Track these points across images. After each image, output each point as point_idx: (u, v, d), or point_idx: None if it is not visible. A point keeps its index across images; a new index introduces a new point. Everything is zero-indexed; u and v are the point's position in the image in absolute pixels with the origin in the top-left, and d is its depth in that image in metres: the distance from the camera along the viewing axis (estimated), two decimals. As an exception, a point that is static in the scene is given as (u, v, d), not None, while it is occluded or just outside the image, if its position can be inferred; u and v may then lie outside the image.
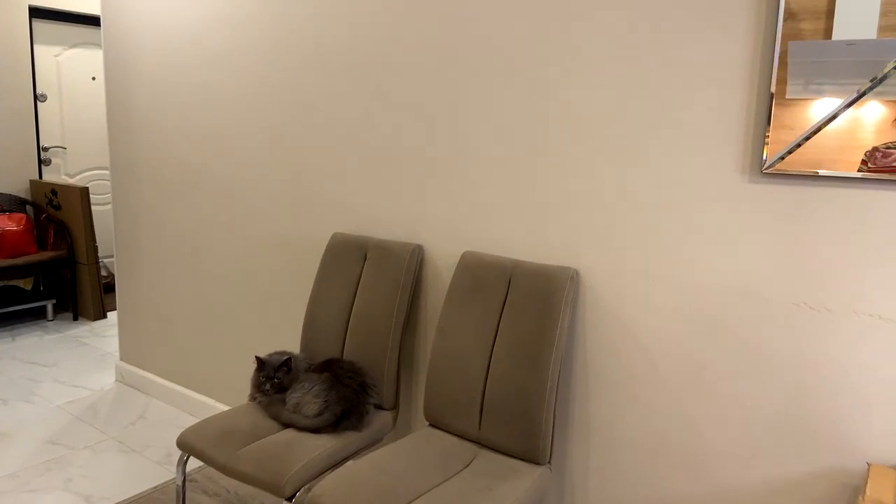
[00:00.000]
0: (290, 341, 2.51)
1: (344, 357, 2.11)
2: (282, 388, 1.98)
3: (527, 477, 1.64)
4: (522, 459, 1.72)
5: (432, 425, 1.91)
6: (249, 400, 2.06)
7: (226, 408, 2.82)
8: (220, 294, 2.77)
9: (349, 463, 1.67)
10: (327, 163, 2.29)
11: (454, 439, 1.83)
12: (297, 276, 2.44)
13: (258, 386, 2.02)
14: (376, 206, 2.18)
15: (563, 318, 1.69)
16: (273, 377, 1.98)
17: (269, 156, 2.47)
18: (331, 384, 1.91)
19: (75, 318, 4.30)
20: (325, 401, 1.87)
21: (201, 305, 2.86)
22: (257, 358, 2.03)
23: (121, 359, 3.36)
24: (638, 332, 1.68)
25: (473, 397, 1.81)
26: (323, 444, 1.78)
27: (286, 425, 1.90)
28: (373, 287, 2.07)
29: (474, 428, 1.81)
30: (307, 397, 1.89)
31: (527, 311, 1.75)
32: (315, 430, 1.84)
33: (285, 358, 2.01)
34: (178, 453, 2.63)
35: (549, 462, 1.71)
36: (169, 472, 2.49)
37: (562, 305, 1.69)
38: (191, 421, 2.91)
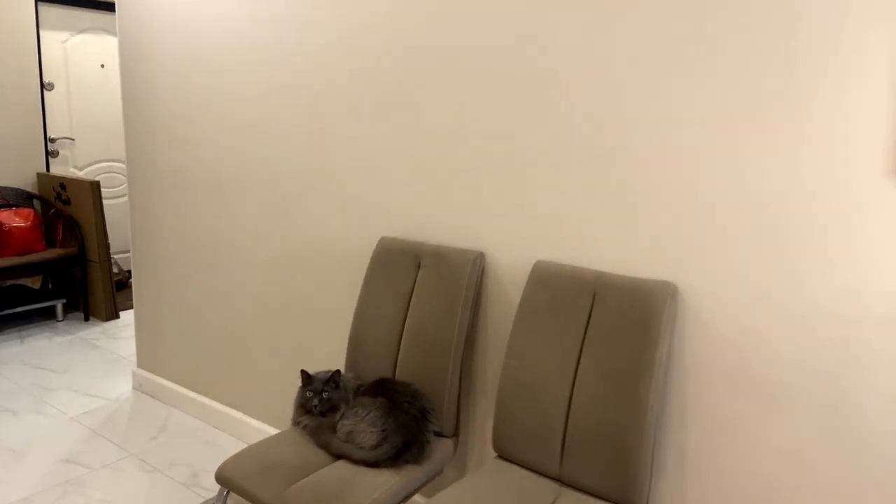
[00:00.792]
0: (331, 357, 2.29)
1: (397, 377, 1.89)
2: (331, 407, 1.77)
3: (623, 525, 1.43)
4: (614, 502, 1.51)
5: (501, 457, 1.70)
6: (293, 425, 1.85)
7: (254, 422, 2.61)
8: (249, 301, 2.55)
9: (418, 507, 1.47)
10: (372, 159, 2.07)
11: (531, 476, 1.62)
12: (338, 285, 2.23)
13: (303, 405, 1.81)
14: (429, 207, 1.96)
15: (662, 344, 1.48)
16: (322, 391, 1.77)
17: (306, 153, 2.25)
18: (387, 410, 1.70)
19: (86, 319, 4.09)
20: (383, 430, 1.66)
21: (227, 312, 2.65)
22: (303, 372, 1.82)
23: (138, 365, 3.15)
24: (752, 361, 1.47)
25: (553, 430, 1.59)
26: (384, 482, 1.57)
27: (337, 456, 1.69)
28: (429, 300, 1.86)
29: (554, 464, 1.60)
30: (361, 425, 1.68)
31: (618, 334, 1.53)
32: (372, 464, 1.63)
33: (333, 371, 1.80)
34: (205, 472, 2.43)
35: (645, 505, 1.50)
36: (196, 495, 2.29)
37: (661, 328, 1.48)
38: (215, 434, 2.71)
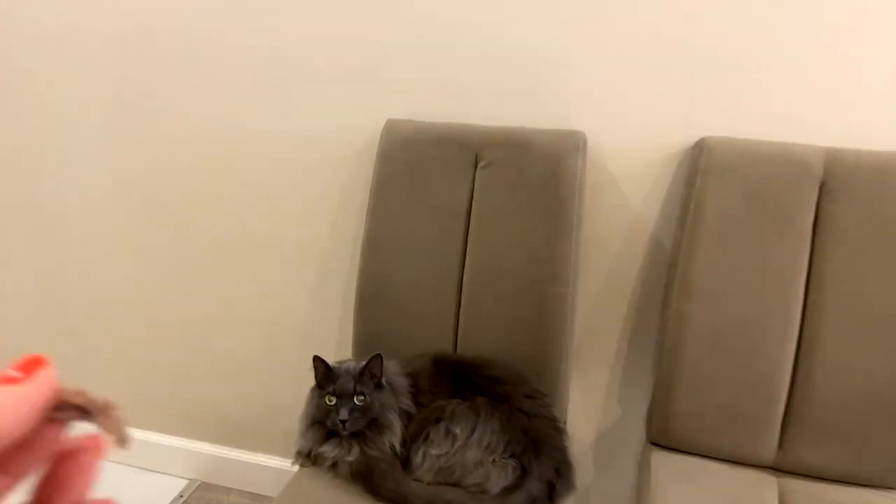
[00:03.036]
0: (299, 331, 1.42)
1: (459, 352, 1.15)
2: (372, 422, 0.99)
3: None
4: (869, 486, 1.03)
5: (664, 447, 1.11)
6: (300, 463, 1.04)
7: (141, 433, 1.65)
8: (99, 241, 1.51)
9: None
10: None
11: (727, 469, 1.06)
12: (296, 203, 1.33)
13: (321, 420, 1.00)
14: (470, 69, 1.17)
15: (958, 249, 0.97)
16: (354, 394, 0.98)
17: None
18: (504, 418, 0.98)
19: None
20: (512, 455, 0.95)
21: (50, 265, 1.57)
22: (318, 361, 1.01)
23: None
24: None
25: (770, 400, 1.03)
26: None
27: (421, 510, 0.95)
28: (509, 216, 1.11)
29: (767, 448, 1.05)
30: (470, 453, 0.95)
31: (878, 241, 0.98)
32: (511, 517, 0.92)
33: (370, 357, 1.00)
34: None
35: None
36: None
37: (959, 226, 0.96)
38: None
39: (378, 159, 1.17)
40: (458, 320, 1.15)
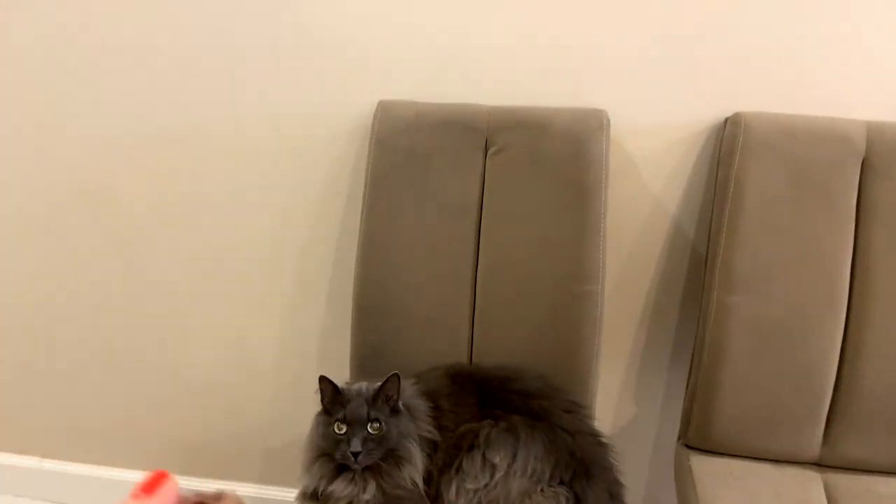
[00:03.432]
0: (273, 349, 1.25)
1: (474, 362, 1.03)
2: (389, 452, 0.85)
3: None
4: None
5: (699, 449, 1.03)
6: (307, 502, 0.89)
7: (92, 468, 1.43)
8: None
9: None
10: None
11: (771, 469, 0.99)
12: (281, 203, 1.16)
13: (328, 452, 0.86)
14: (474, 43, 1.03)
15: None
16: (368, 420, 0.84)
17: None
18: (547, 438, 0.87)
19: None
20: (560, 480, 0.84)
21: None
22: (325, 382, 0.87)
23: None
24: None
25: (816, 393, 0.97)
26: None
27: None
28: (528, 208, 0.99)
29: (811, 443, 0.98)
30: (514, 482, 0.83)
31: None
32: (563, 553, 0.82)
33: (387, 377, 0.86)
34: None
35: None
36: None
37: None
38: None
39: (373, 148, 1.01)
40: (472, 327, 1.02)
